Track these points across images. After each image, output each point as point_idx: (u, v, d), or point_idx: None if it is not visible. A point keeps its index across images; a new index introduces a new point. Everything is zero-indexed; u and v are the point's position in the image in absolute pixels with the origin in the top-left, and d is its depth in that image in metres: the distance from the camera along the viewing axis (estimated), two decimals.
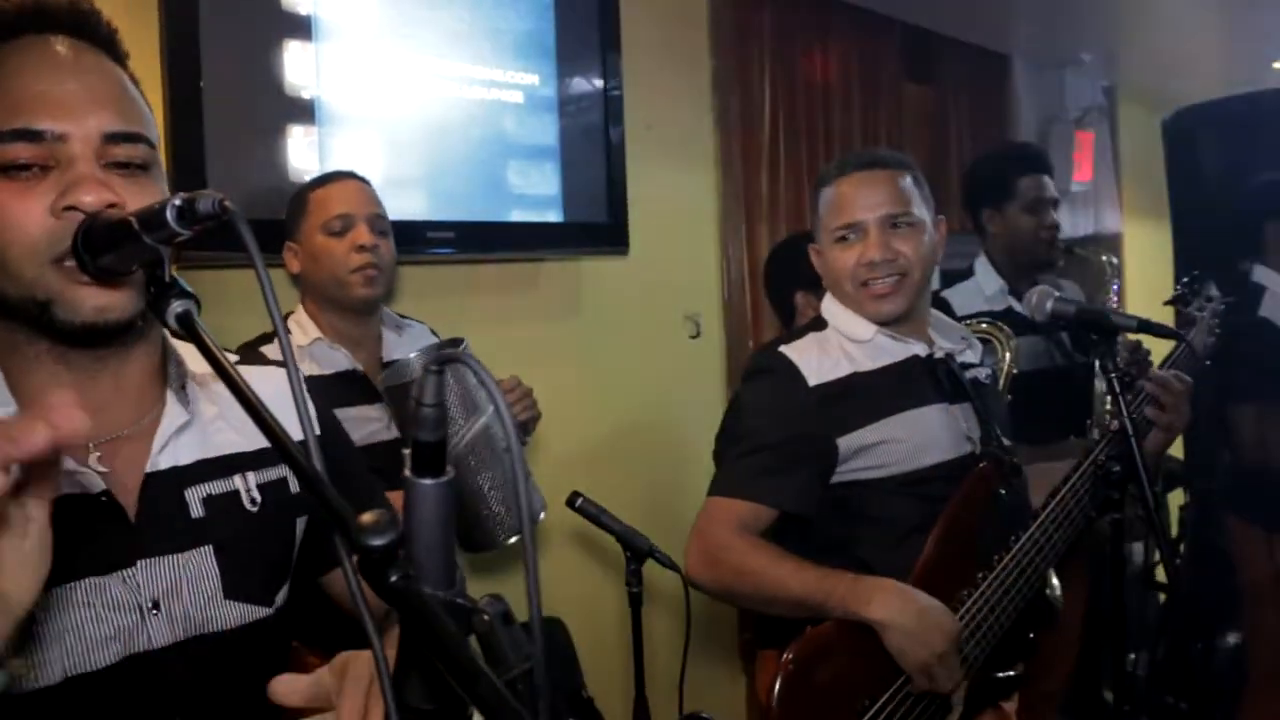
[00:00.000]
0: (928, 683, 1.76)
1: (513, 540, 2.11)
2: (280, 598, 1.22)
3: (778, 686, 1.73)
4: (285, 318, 2.18)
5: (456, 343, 2.07)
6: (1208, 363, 2.39)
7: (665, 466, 3.34)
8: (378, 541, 0.69)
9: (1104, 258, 3.29)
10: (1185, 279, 2.44)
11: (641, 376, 3.33)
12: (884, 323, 1.97)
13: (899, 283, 1.94)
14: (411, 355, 2.10)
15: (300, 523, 1.26)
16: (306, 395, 0.83)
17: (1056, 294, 2.03)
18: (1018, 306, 2.94)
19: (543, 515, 2.34)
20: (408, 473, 0.76)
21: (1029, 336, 2.96)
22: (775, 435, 1.89)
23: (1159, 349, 3.24)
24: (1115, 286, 3.21)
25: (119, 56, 1.11)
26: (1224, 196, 4.05)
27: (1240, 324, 3.20)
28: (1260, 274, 3.34)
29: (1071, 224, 5.35)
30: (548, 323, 3.09)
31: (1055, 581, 2.03)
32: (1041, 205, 3.11)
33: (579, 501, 2.34)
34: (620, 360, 3.28)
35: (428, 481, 0.77)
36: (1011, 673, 1.94)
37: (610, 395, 3.24)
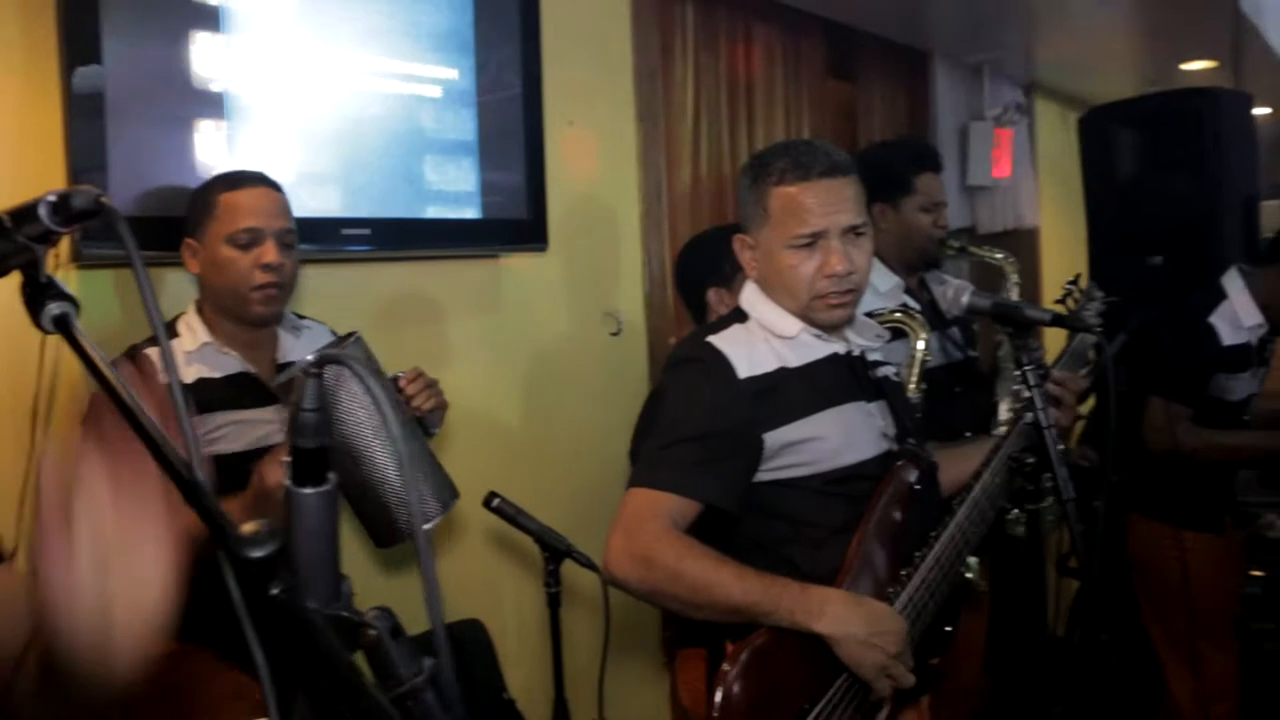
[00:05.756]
0: (889, 685, 1.74)
1: (426, 527, 2.06)
2: None
3: (718, 699, 1.69)
4: (175, 319, 2.10)
5: (349, 337, 2.00)
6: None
7: (586, 465, 3.31)
8: (257, 553, 0.66)
9: (1000, 256, 3.27)
10: (1070, 280, 2.45)
11: (562, 374, 3.30)
12: (824, 327, 1.95)
13: (853, 294, 1.93)
14: (309, 358, 2.03)
15: None
16: (184, 405, 0.79)
17: (972, 288, 2.05)
18: (912, 303, 2.95)
19: (454, 504, 2.19)
20: (287, 483, 0.74)
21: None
22: (704, 426, 1.83)
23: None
24: (1015, 282, 3.19)
25: None
26: (1136, 192, 4.16)
27: (1188, 321, 3.22)
28: (1230, 279, 3.26)
29: (991, 218, 5.45)
30: (466, 320, 3.05)
31: (971, 560, 2.02)
32: (937, 205, 3.12)
33: (496, 502, 2.32)
34: (540, 358, 3.25)
35: (308, 491, 0.75)
36: (933, 663, 1.95)
37: (530, 393, 3.21)
